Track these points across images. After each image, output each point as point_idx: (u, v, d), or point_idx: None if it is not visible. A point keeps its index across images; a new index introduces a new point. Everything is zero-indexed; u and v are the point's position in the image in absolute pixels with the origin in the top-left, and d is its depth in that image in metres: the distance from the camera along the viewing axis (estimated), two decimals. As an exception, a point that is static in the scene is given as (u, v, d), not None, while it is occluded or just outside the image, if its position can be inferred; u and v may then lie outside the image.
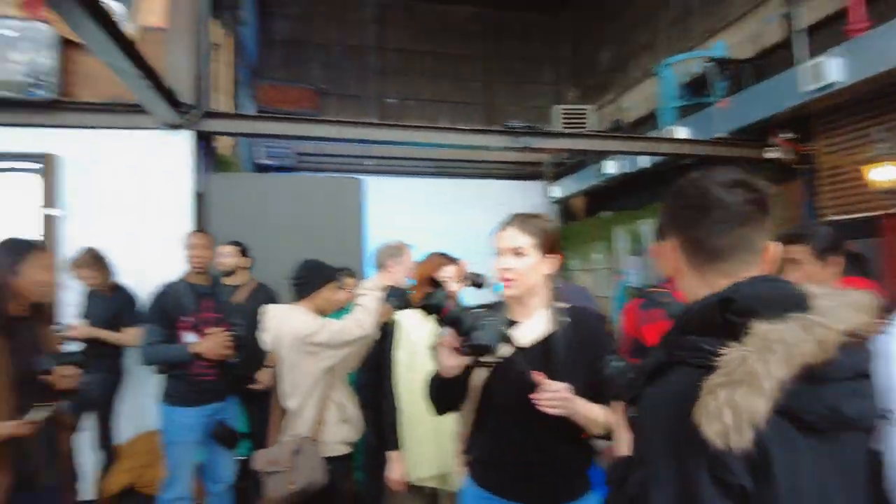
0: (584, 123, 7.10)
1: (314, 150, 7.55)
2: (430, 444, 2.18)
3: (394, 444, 2.22)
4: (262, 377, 3.17)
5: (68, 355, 2.19)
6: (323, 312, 2.48)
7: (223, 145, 5.22)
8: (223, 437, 2.87)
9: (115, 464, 3.67)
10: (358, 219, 4.42)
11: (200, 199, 4.23)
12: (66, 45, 4.10)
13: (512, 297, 1.59)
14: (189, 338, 2.81)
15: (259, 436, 2.89)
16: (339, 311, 2.86)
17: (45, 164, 4.02)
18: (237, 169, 5.74)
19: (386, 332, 2.36)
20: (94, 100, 4.16)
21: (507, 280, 1.54)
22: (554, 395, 1.41)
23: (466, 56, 8.96)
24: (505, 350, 1.39)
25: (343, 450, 2.44)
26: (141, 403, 3.58)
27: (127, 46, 2.87)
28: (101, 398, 3.57)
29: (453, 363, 1.45)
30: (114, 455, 3.68)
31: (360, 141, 4.89)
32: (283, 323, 2.39)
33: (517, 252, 1.54)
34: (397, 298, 2.47)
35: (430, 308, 1.45)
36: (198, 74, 4.22)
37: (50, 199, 4.02)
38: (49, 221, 4.00)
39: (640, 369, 0.95)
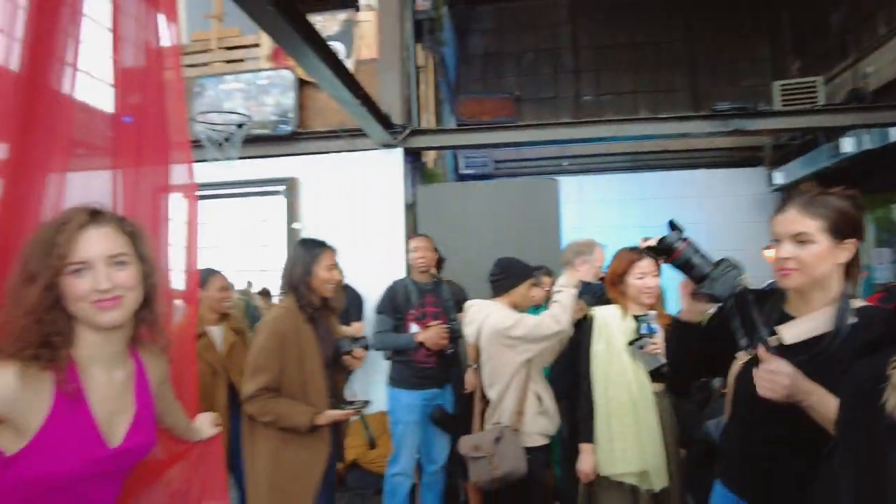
0: (813, 98, 6.19)
1: (512, 156, 7.79)
2: (631, 440, 2.15)
3: (586, 436, 2.24)
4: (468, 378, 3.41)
5: (360, 339, 2.52)
6: (519, 308, 2.58)
7: (430, 159, 5.70)
8: (441, 420, 3.13)
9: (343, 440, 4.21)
10: (555, 218, 4.46)
11: (410, 210, 4.69)
12: (302, 85, 4.89)
13: (791, 288, 1.37)
14: (413, 329, 3.15)
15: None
16: (536, 308, 2.94)
17: (289, 187, 4.81)
18: (441, 180, 6.20)
19: (582, 327, 2.38)
20: (323, 129, 4.87)
21: (786, 270, 1.33)
22: (771, 373, 1.24)
23: (666, 41, 8.42)
24: (769, 341, 1.30)
25: (541, 441, 2.50)
26: (368, 386, 4.06)
27: (348, 80, 3.34)
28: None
29: (691, 308, 1.41)
30: (342, 433, 4.23)
31: (555, 142, 4.94)
32: (484, 316, 2.54)
33: (800, 238, 1.31)
34: (591, 295, 2.47)
35: (660, 250, 1.42)
36: (406, 97, 4.70)
37: (293, 216, 4.80)
38: (292, 234, 4.78)
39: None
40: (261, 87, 4.92)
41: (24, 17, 1.18)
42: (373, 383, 4.00)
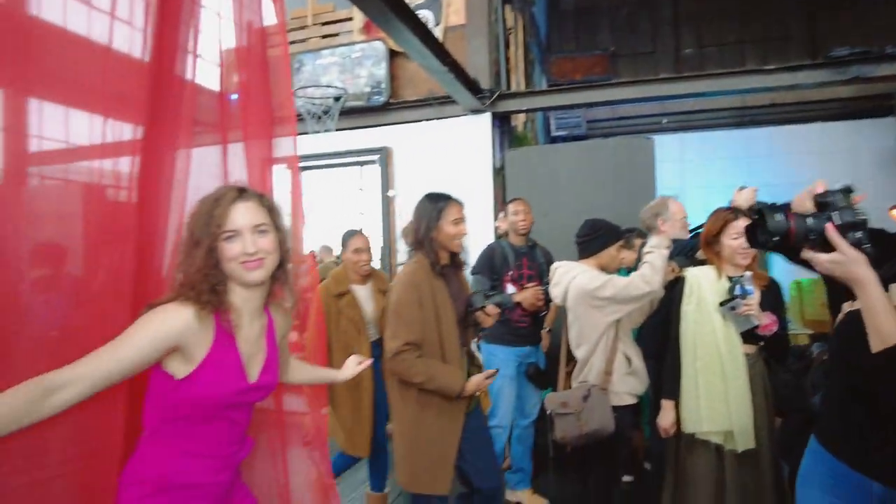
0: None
1: (607, 115, 7.53)
2: (718, 399, 2.13)
3: (669, 392, 2.25)
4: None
5: (493, 295, 2.45)
6: (606, 270, 2.57)
7: (519, 122, 5.67)
8: (535, 376, 3.23)
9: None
10: (650, 179, 4.33)
11: (499, 174, 4.73)
12: (393, 55, 5.01)
13: None
14: (510, 289, 3.24)
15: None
16: (624, 270, 2.91)
17: (383, 156, 5.00)
18: (531, 143, 6.15)
19: (674, 289, 2.36)
20: (414, 98, 4.98)
21: None
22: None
23: (779, -17, 7.69)
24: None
25: (629, 400, 2.52)
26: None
27: (436, 48, 3.40)
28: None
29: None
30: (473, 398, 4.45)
31: (654, 99, 4.73)
32: (571, 278, 2.56)
33: None
34: (684, 256, 2.41)
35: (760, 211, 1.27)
36: (495, 60, 4.70)
37: (387, 183, 5.00)
38: (387, 201, 4.98)
39: None
40: (355, 59, 5.10)
41: (153, 12, 1.36)
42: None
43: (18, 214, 1.21)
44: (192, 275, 1.21)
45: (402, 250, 4.85)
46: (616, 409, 2.45)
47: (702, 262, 2.39)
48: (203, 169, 1.54)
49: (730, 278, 2.21)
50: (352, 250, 3.02)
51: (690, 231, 3.06)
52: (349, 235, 3.08)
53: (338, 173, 5.58)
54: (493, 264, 3.28)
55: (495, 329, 3.20)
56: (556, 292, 2.65)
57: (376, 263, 5.58)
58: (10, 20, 1.15)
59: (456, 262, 2.32)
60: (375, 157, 5.06)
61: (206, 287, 1.21)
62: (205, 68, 1.58)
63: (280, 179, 1.73)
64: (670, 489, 2.33)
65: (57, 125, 1.27)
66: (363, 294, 3.08)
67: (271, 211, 1.32)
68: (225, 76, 1.64)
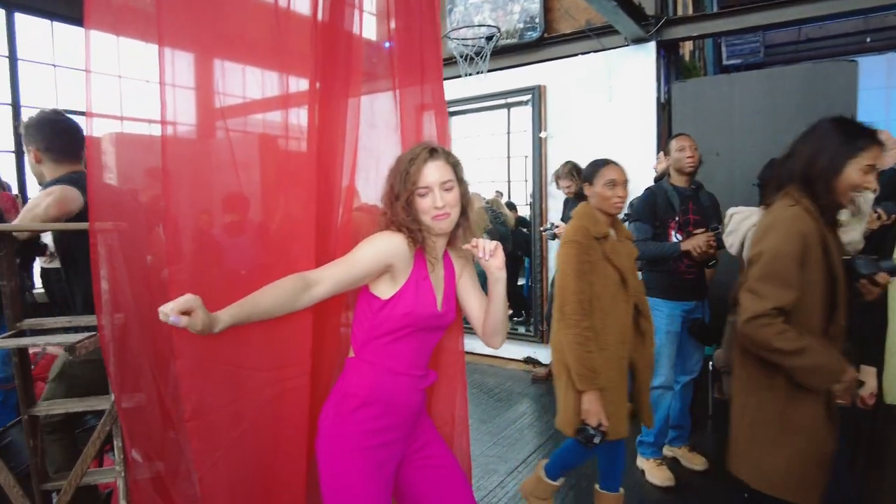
0: None
1: (790, 38, 6.51)
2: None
3: (870, 357, 1.93)
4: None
5: (886, 261, 1.79)
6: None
7: (685, 52, 5.11)
8: (699, 332, 3.01)
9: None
10: (850, 110, 3.69)
11: (664, 109, 4.34)
12: (547, -15, 4.72)
13: None
14: (675, 237, 2.98)
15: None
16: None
17: (536, 95, 4.82)
18: (698, 74, 5.54)
19: (884, 237, 2.01)
20: (570, 31, 4.69)
21: None
22: None
23: None
24: None
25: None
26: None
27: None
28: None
29: None
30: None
31: (853, 14, 3.96)
32: (750, 225, 2.28)
33: None
34: (894, 203, 2.02)
35: None
36: (661, -18, 4.22)
37: (540, 124, 4.83)
38: (539, 143, 4.83)
39: None
40: (507, -6, 4.91)
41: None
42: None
43: (209, 165, 1.39)
44: (397, 222, 1.45)
45: (554, 195, 4.72)
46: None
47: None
48: (368, 116, 1.66)
49: None
50: (603, 183, 2.25)
51: None
52: (599, 165, 2.33)
53: (485, 117, 5.52)
54: (656, 209, 3.00)
55: (657, 281, 3.01)
56: (731, 241, 2.39)
57: (524, 210, 5.50)
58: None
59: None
60: (527, 96, 4.90)
61: (412, 227, 1.45)
62: (365, 20, 1.64)
63: (430, 124, 1.77)
64: (859, 468, 2.06)
65: (236, 82, 1.44)
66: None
67: (455, 167, 1.50)
68: (379, 24, 1.75)
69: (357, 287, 1.48)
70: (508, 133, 5.48)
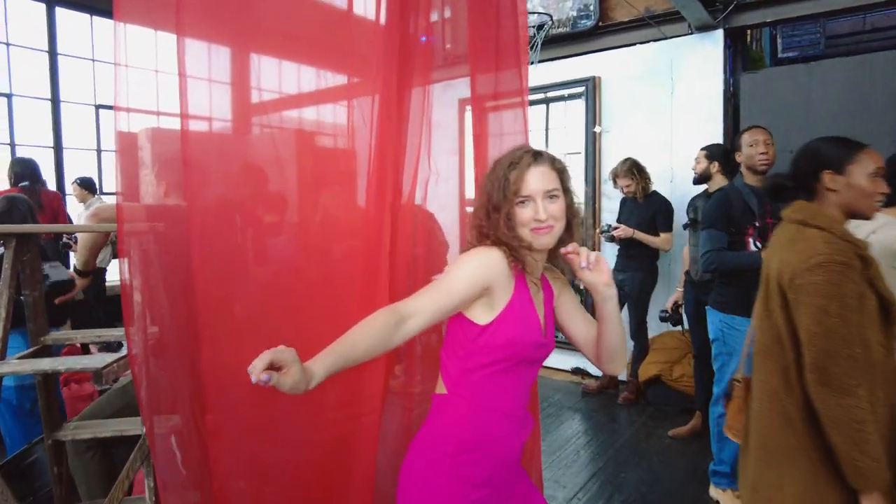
0: None
1: (853, 28, 6.01)
2: None
3: None
4: None
5: None
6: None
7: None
8: None
9: (647, 355, 4.09)
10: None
11: (730, 102, 4.02)
12: (604, -30, 4.44)
13: None
14: (753, 246, 2.64)
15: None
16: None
17: (590, 87, 4.55)
18: (763, 65, 5.16)
19: None
20: (628, 18, 4.40)
21: None
22: None
23: None
24: None
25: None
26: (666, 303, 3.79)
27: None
28: (637, 295, 3.97)
29: None
30: (645, 347, 4.10)
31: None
32: (868, 231, 1.99)
33: None
34: None
35: None
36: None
37: (593, 118, 4.56)
38: (594, 138, 4.57)
39: None
40: (560, -20, 4.65)
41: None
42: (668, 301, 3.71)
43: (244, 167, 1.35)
44: (495, 236, 1.25)
45: (609, 195, 4.44)
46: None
47: None
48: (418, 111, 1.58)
49: None
50: (869, 173, 1.53)
51: None
52: (854, 148, 1.58)
53: (539, 110, 5.27)
54: (732, 214, 2.66)
55: (729, 295, 2.69)
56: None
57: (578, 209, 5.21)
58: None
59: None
60: (580, 88, 4.63)
61: (510, 242, 1.24)
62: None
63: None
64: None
65: (272, 78, 1.37)
66: None
67: (561, 174, 1.30)
68: (415, 20, 1.64)
69: (451, 315, 1.28)
70: (547, 129, 5.22)
